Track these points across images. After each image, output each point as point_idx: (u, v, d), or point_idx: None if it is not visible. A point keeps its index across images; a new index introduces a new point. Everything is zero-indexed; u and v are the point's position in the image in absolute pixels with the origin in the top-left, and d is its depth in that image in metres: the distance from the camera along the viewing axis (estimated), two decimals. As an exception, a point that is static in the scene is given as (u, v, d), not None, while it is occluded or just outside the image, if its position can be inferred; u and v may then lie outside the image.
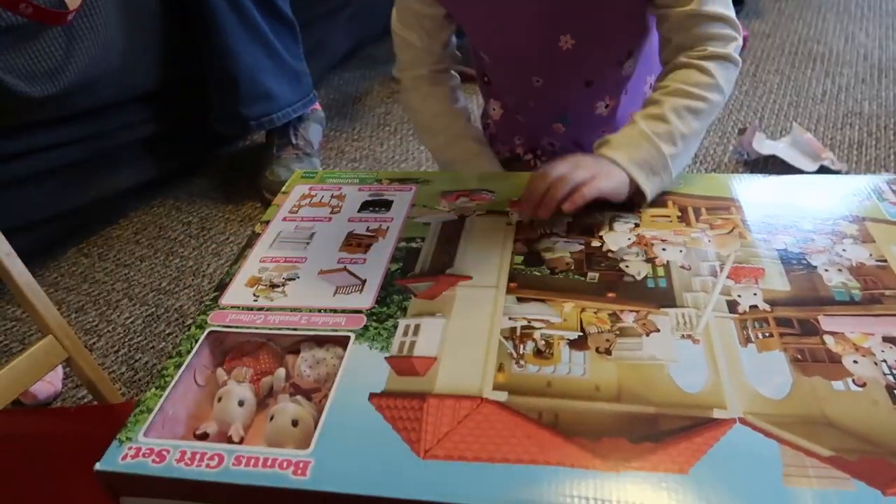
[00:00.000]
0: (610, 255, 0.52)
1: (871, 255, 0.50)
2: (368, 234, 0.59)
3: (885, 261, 0.49)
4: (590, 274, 0.51)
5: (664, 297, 0.47)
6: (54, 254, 1.00)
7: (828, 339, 0.42)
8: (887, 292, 0.46)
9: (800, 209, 0.56)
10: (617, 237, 0.54)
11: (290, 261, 0.56)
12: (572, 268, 0.51)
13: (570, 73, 0.67)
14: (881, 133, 1.17)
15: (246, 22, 0.96)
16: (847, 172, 1.06)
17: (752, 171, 1.09)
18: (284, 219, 0.62)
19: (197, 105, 1.08)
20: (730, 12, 0.58)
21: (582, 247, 0.54)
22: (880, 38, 1.55)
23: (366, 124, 1.31)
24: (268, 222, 0.62)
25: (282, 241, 0.59)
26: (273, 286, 0.53)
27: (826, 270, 0.49)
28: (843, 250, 0.51)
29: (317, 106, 1.14)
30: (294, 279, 0.54)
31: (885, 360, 0.40)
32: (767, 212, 0.56)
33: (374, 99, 1.41)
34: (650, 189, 0.56)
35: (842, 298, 0.46)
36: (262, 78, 1.00)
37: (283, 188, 0.68)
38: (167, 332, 0.85)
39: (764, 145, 1.09)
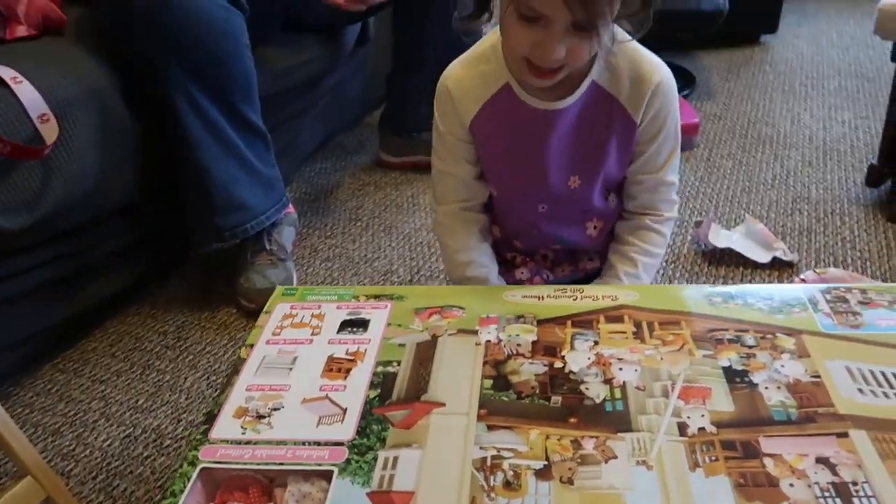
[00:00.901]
0: (572, 376, 0.58)
1: (806, 370, 0.56)
2: (348, 357, 0.64)
3: (819, 376, 0.56)
4: (553, 398, 0.56)
5: (621, 421, 0.53)
6: (30, 370, 1.02)
7: (767, 461, 0.48)
8: (820, 410, 0.53)
9: (743, 322, 0.62)
10: (578, 357, 0.60)
11: (274, 389, 0.61)
12: (537, 391, 0.57)
13: (572, 206, 0.79)
14: (828, 219, 1.27)
15: (219, 138, 1.02)
16: (798, 262, 1.14)
17: (709, 263, 1.17)
18: (268, 342, 0.67)
19: (172, 212, 1.13)
20: (678, 178, 0.79)
21: (546, 368, 0.59)
22: (824, 119, 1.69)
23: (337, 220, 1.37)
24: (252, 346, 0.67)
25: (266, 367, 0.64)
26: (259, 417, 0.58)
27: (766, 388, 0.55)
28: (782, 366, 0.57)
29: (290, 209, 1.20)
30: (279, 409, 0.58)
31: (817, 483, 0.46)
32: (714, 325, 0.63)
33: (345, 192, 1.48)
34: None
35: (780, 418, 0.52)
36: (236, 190, 1.05)
37: (266, 307, 0.73)
38: (145, 454, 0.87)
39: (720, 237, 1.18)
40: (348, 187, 1.50)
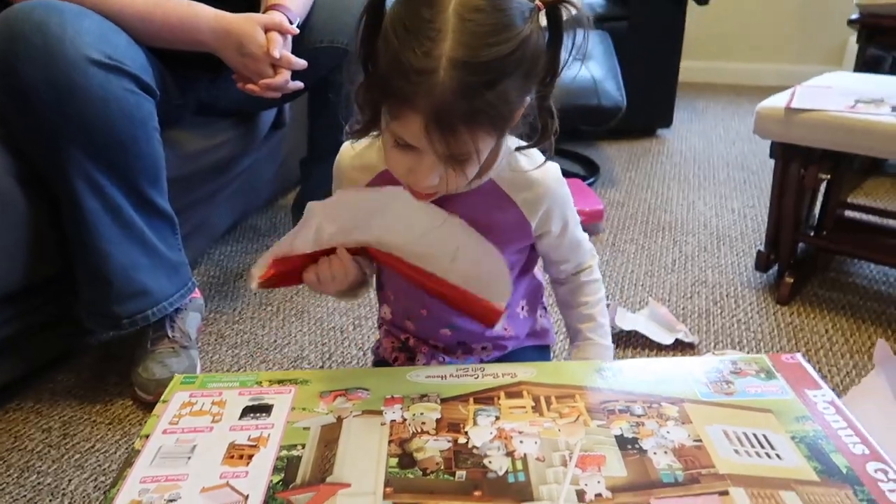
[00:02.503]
0: (475, 451, 0.62)
1: (689, 435, 0.62)
2: (250, 443, 0.65)
3: (700, 440, 0.62)
4: (458, 472, 0.59)
5: (523, 492, 0.56)
6: None
7: (656, 522, 0.53)
8: (703, 471, 0.58)
9: (632, 394, 0.68)
10: (480, 432, 0.64)
11: (171, 479, 0.61)
12: (442, 467, 0.60)
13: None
14: (724, 301, 1.39)
15: (121, 221, 1.02)
16: (699, 343, 1.24)
17: (616, 345, 1.24)
18: (165, 431, 0.67)
19: (63, 297, 1.11)
20: (581, 230, 0.84)
21: (450, 444, 0.63)
22: (716, 207, 1.87)
23: (247, 304, 1.38)
24: (147, 436, 0.66)
25: (162, 457, 0.63)
26: (154, 509, 0.57)
27: (655, 453, 0.60)
28: (668, 432, 0.63)
29: (196, 294, 1.20)
30: (176, 500, 0.58)
31: (699, 538, 0.51)
32: (606, 397, 0.68)
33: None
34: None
35: (668, 480, 0.57)
36: (137, 276, 1.04)
37: (163, 396, 0.73)
38: (16, 570, 0.82)
39: (626, 320, 1.27)
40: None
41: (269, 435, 0.66)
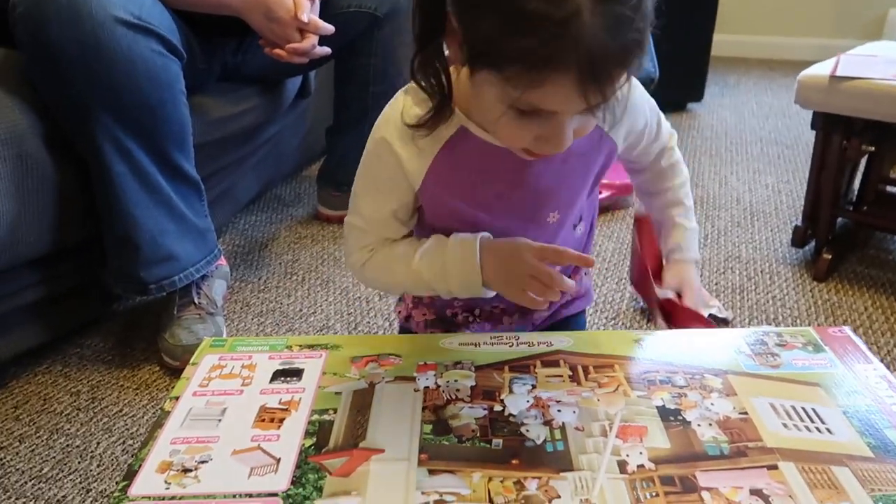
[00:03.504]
0: (511, 419, 0.60)
1: (734, 407, 0.60)
2: (281, 407, 0.64)
3: (746, 413, 0.59)
4: (494, 440, 0.57)
5: (562, 461, 0.55)
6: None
7: (705, 495, 0.51)
8: (750, 444, 0.56)
9: (673, 365, 0.66)
10: (516, 400, 0.62)
11: (202, 441, 0.60)
12: (478, 435, 0.58)
13: (548, 240, 0.71)
14: (759, 277, 1.36)
15: (148, 186, 1.02)
16: (733, 319, 1.21)
17: (647, 320, 1.22)
18: (195, 394, 0.66)
19: (91, 264, 1.11)
20: (658, 112, 0.78)
21: (485, 412, 0.61)
22: (749, 183, 1.82)
23: (272, 273, 1.37)
24: (177, 398, 0.66)
25: (193, 419, 0.62)
26: (185, 471, 0.56)
27: (699, 426, 0.58)
28: (712, 404, 0.60)
29: (222, 261, 1.19)
30: (207, 461, 0.57)
31: (751, 513, 0.49)
32: (646, 368, 0.66)
33: (280, 245, 1.48)
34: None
35: (714, 453, 0.55)
36: (164, 241, 1.04)
37: (193, 359, 0.72)
38: (47, 531, 0.83)
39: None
40: (284, 240, 1.50)
41: (300, 399, 0.64)
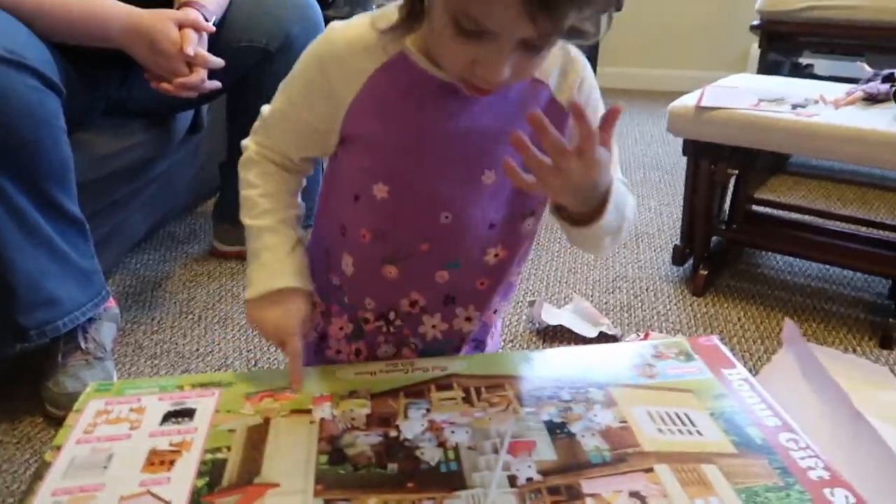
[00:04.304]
0: (406, 443, 0.61)
1: (615, 417, 0.64)
2: (172, 448, 0.62)
3: (626, 421, 0.63)
4: (390, 465, 0.59)
5: (456, 480, 0.56)
6: None
7: (589, 501, 0.54)
8: (629, 450, 0.60)
9: (560, 381, 0.70)
10: (412, 424, 0.64)
11: (86, 490, 0.57)
12: (373, 461, 0.59)
13: (481, 212, 0.67)
14: (644, 295, 1.44)
15: (25, 227, 0.96)
16: (622, 336, 1.28)
17: (543, 340, 1.27)
18: (79, 441, 0.63)
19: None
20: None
21: (381, 438, 0.62)
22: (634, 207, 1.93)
23: (166, 313, 1.32)
24: (59, 447, 0.63)
25: (76, 468, 0.60)
26: (67, 523, 0.54)
27: (583, 436, 0.61)
28: (595, 416, 0.64)
29: (110, 303, 1.14)
30: (91, 511, 0.55)
31: (629, 514, 0.52)
32: (535, 385, 0.69)
33: (175, 283, 1.44)
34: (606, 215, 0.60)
35: (596, 461, 0.58)
36: (45, 284, 0.98)
37: (76, 405, 0.69)
38: None
39: (551, 315, 1.30)
40: (179, 278, 1.46)
41: (192, 439, 0.63)
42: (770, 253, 1.60)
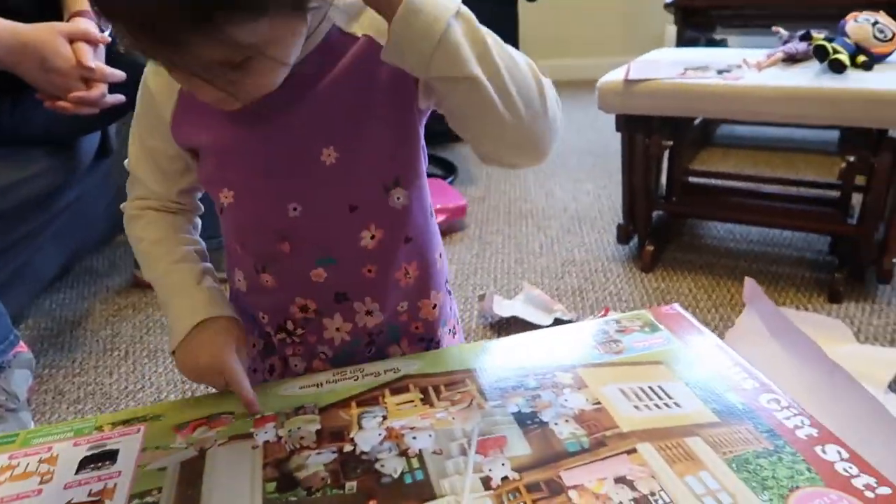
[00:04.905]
0: (364, 457, 0.54)
1: (587, 399, 0.59)
2: (91, 499, 0.53)
3: (599, 402, 0.58)
4: (347, 484, 0.52)
5: (424, 490, 0.50)
6: None
7: (572, 493, 0.48)
8: (608, 433, 0.55)
9: (523, 368, 0.64)
10: (368, 435, 0.57)
11: (-11, 562, 0.48)
12: (328, 482, 0.52)
13: (333, 196, 0.61)
14: (594, 276, 1.41)
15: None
16: (577, 319, 1.24)
17: (497, 333, 1.23)
18: (-23, 507, 0.54)
19: None
20: None
21: (335, 455, 0.55)
22: (573, 191, 1.92)
23: (88, 353, 1.21)
24: (-47, 517, 0.53)
25: (-25, 539, 0.51)
26: None
27: (556, 424, 0.56)
28: (566, 400, 0.59)
29: (21, 347, 1.03)
30: (-5, 586, 0.46)
31: (621, 502, 0.47)
32: (498, 376, 0.63)
33: (96, 320, 1.32)
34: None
35: (574, 449, 0.53)
36: (-59, 331, 0.88)
37: (-26, 466, 0.59)
38: None
39: (503, 307, 1.25)
40: (101, 314, 1.34)
41: (115, 485, 0.54)
42: (712, 222, 1.61)
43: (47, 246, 1.37)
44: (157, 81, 0.62)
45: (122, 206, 0.71)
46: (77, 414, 1.04)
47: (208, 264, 0.69)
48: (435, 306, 0.71)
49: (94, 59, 1.05)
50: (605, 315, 1.15)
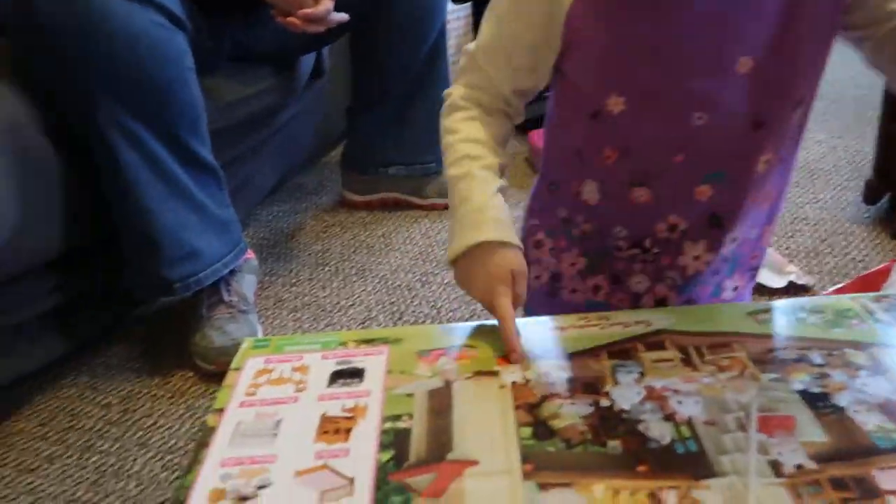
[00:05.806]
0: (624, 415, 0.50)
1: (893, 388, 0.50)
2: (345, 415, 0.54)
3: (911, 393, 0.49)
4: (610, 443, 0.48)
5: (700, 465, 0.45)
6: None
7: (891, 500, 0.41)
8: (927, 431, 0.46)
9: (803, 339, 0.56)
10: (624, 392, 0.52)
11: (257, 461, 0.50)
12: (589, 437, 0.48)
13: (740, 108, 0.57)
14: (833, 239, 1.25)
15: (164, 176, 0.92)
16: (814, 285, 1.11)
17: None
18: (242, 404, 0.57)
19: (110, 265, 1.02)
20: None
21: (591, 408, 0.51)
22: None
23: (303, 265, 1.28)
24: (222, 410, 0.56)
25: (243, 436, 0.53)
26: (243, 499, 0.47)
27: (856, 412, 0.48)
28: (864, 384, 0.50)
29: (249, 255, 1.10)
30: (267, 486, 0.48)
31: (957, 519, 0.39)
32: (771, 345, 0.56)
33: (308, 235, 1.39)
34: None
35: (885, 445, 0.45)
36: (186, 235, 0.95)
37: (234, 363, 0.63)
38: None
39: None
40: (311, 230, 1.41)
41: (366, 404, 0.55)
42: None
43: (266, 161, 1.45)
44: None
45: (446, 91, 0.66)
46: (296, 322, 1.11)
47: (507, 183, 0.65)
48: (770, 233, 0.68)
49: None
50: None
